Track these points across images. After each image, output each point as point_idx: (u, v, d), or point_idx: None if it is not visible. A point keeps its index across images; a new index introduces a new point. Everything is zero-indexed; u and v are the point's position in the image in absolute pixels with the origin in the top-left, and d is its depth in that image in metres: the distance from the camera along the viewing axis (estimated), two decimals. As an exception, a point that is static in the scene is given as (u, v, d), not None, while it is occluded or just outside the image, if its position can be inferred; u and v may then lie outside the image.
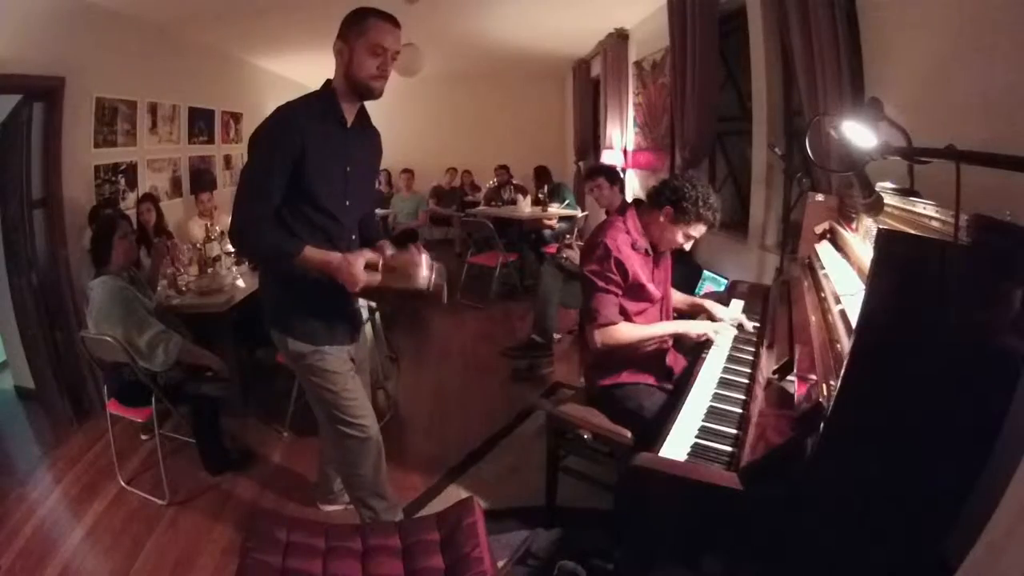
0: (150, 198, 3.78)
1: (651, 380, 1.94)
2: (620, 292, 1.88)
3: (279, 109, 1.61)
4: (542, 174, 6.24)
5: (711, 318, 2.09)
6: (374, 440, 1.86)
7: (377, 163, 1.91)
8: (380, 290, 1.61)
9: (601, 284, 1.85)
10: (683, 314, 2.18)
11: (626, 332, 1.85)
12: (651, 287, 1.93)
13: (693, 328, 1.94)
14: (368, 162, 1.83)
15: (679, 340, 2.03)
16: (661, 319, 2.01)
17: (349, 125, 1.69)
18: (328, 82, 1.67)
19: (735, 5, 3.06)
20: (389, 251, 1.72)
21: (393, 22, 1.60)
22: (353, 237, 1.79)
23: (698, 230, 1.87)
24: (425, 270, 1.59)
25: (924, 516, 1.04)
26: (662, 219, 1.88)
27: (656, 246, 1.96)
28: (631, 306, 1.91)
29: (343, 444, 1.85)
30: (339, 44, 1.61)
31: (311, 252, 1.56)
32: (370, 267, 1.58)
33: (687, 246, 1.95)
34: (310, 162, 1.58)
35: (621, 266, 1.85)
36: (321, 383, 1.77)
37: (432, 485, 2.42)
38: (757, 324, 2.08)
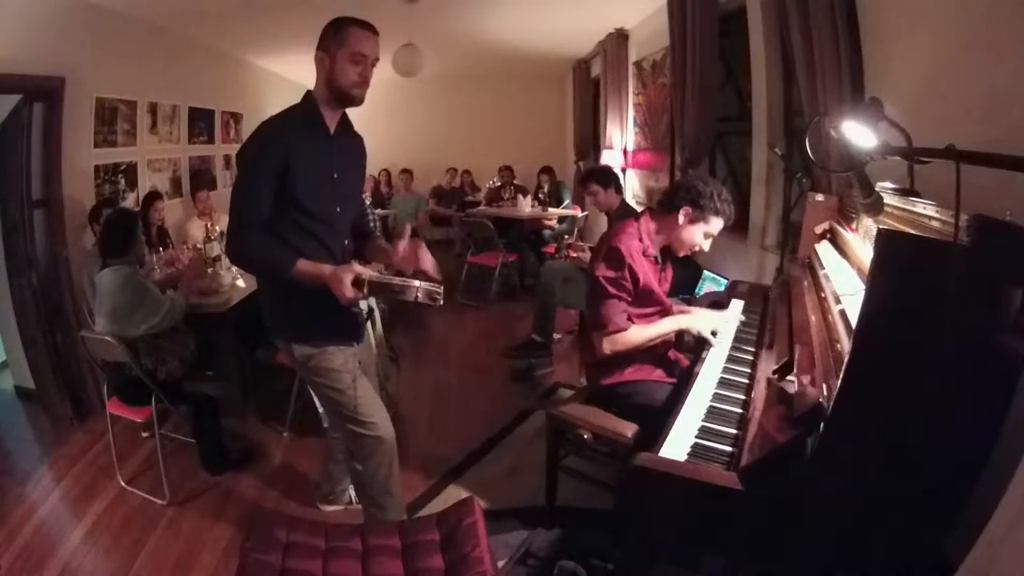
0: (159, 196, 3.77)
1: (655, 374, 1.94)
2: (630, 299, 1.88)
3: (261, 125, 1.64)
4: (548, 173, 6.24)
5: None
6: (388, 439, 1.84)
7: (363, 167, 1.92)
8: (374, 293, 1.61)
9: (613, 291, 1.85)
10: None
11: (633, 335, 1.85)
12: (659, 293, 1.94)
13: (695, 323, 1.94)
14: (354, 167, 1.85)
15: (680, 339, 2.02)
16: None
17: (333, 133, 1.71)
18: (308, 93, 1.69)
19: (735, 5, 3.06)
20: (402, 244, 1.73)
21: (371, 29, 1.62)
22: (346, 242, 1.80)
23: (716, 226, 1.88)
24: (413, 290, 1.55)
25: (924, 516, 1.04)
26: (681, 220, 1.87)
27: (674, 250, 1.96)
28: (636, 311, 1.91)
29: (357, 443, 1.83)
30: (319, 54, 1.62)
31: (303, 265, 1.57)
32: (359, 284, 1.55)
33: (706, 246, 1.94)
34: (297, 173, 1.59)
35: (633, 273, 1.85)
36: (327, 383, 1.77)
37: (432, 485, 2.42)
38: (743, 318, 2.10)
